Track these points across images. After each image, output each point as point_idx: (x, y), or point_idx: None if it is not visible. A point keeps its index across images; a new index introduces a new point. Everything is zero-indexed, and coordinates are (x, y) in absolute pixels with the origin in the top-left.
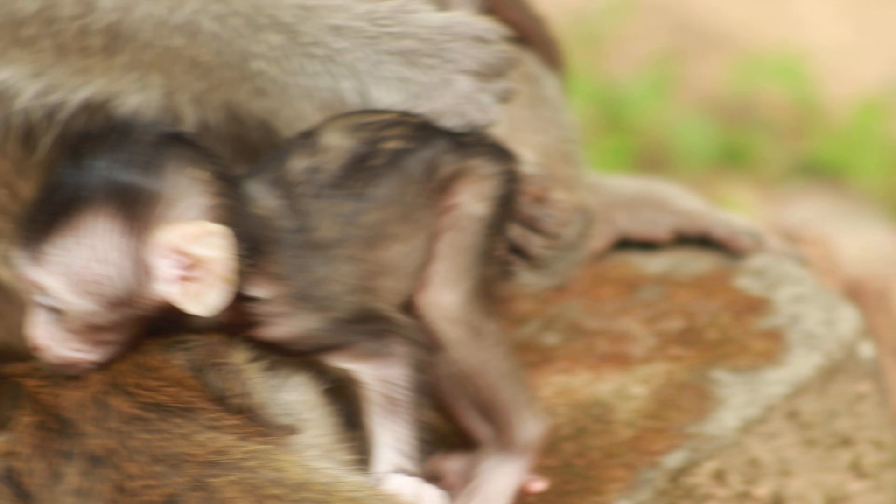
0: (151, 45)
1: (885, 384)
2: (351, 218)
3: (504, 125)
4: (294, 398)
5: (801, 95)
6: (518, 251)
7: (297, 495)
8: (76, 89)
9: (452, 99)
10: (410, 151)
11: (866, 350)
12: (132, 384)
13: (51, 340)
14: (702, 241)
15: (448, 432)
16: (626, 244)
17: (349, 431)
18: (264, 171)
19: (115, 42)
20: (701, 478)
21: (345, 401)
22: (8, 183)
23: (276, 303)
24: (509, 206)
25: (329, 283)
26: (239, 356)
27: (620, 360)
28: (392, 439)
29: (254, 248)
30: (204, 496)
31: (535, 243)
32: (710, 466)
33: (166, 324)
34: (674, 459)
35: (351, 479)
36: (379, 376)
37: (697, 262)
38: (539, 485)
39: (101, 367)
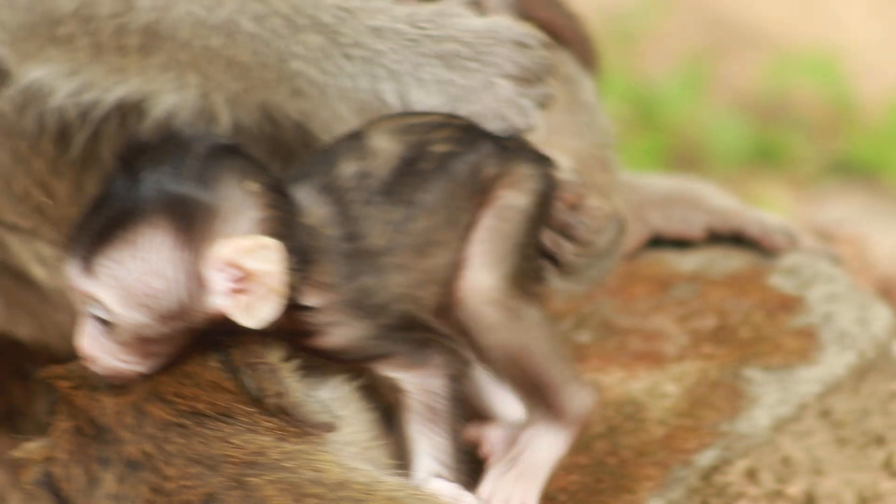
0: (189, 44)
1: None
2: (400, 225)
3: (541, 129)
4: (330, 395)
5: (835, 94)
6: (550, 257)
7: (335, 494)
8: (111, 88)
9: (493, 102)
10: (458, 155)
11: None
12: (170, 392)
13: (100, 351)
14: (735, 239)
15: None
16: (659, 242)
17: (385, 428)
18: (312, 176)
19: (152, 41)
20: (733, 476)
21: (379, 398)
22: (42, 181)
23: (327, 312)
24: (546, 206)
25: (378, 291)
26: (274, 355)
27: (653, 359)
28: (431, 447)
29: (304, 258)
30: (242, 495)
31: (567, 250)
32: (742, 465)
33: (215, 335)
34: (706, 458)
35: (390, 478)
36: (421, 385)
37: (730, 261)
38: None
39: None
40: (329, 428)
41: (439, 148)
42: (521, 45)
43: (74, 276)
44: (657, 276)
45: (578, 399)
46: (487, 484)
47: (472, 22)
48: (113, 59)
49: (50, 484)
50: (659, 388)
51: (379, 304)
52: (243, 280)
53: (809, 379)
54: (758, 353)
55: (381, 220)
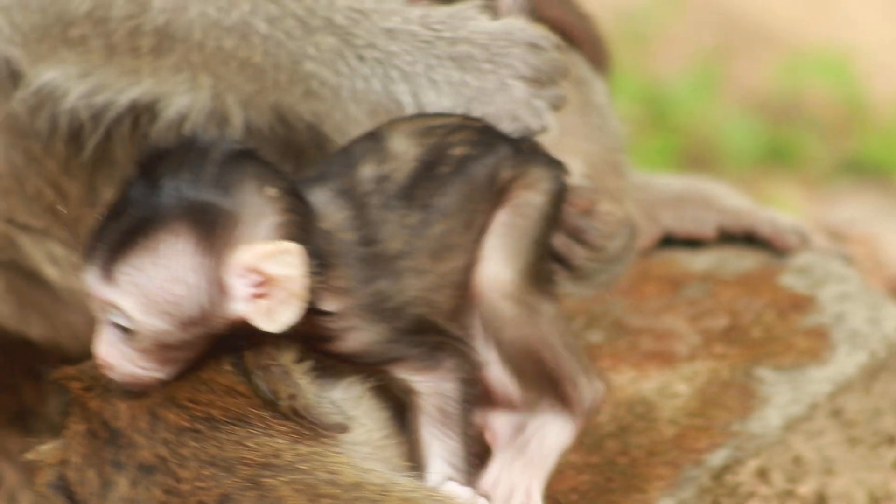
0: (202, 46)
1: None
2: (418, 229)
3: (554, 132)
4: (342, 396)
5: (847, 94)
6: (562, 261)
7: (351, 495)
8: (124, 90)
9: (507, 104)
10: (476, 158)
11: None
12: (184, 398)
13: (119, 359)
14: (747, 239)
15: None
16: (670, 242)
17: (398, 427)
18: (330, 179)
19: (165, 43)
20: (744, 476)
21: (391, 397)
22: (55, 182)
23: (343, 317)
24: (559, 207)
25: (394, 295)
26: (286, 357)
27: (664, 358)
28: (443, 451)
29: (321, 262)
30: (258, 495)
31: (579, 255)
32: (753, 465)
33: (235, 340)
34: (717, 457)
35: (405, 480)
36: (433, 388)
37: (742, 260)
38: None
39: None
40: (342, 429)
41: (458, 151)
42: (535, 47)
43: (94, 284)
44: (669, 276)
45: (589, 391)
46: (493, 471)
47: (486, 24)
48: (126, 61)
49: (64, 487)
50: (670, 388)
51: (394, 308)
52: (264, 285)
53: (821, 378)
54: (769, 352)
55: (398, 225)
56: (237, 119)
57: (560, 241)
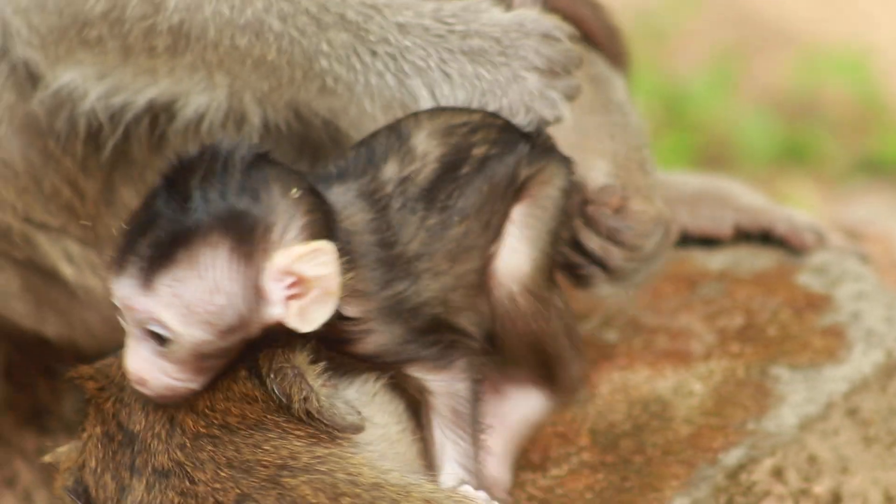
0: (217, 44)
1: None
2: (437, 232)
3: (576, 133)
4: (356, 394)
5: (864, 92)
6: (599, 263)
7: (371, 495)
8: (141, 90)
9: (521, 95)
10: (497, 156)
11: None
12: (203, 405)
13: (154, 373)
14: (763, 237)
15: None
16: (686, 240)
17: (413, 421)
18: (351, 177)
19: (180, 42)
20: (759, 475)
21: (405, 393)
22: (73, 182)
23: (362, 318)
24: (570, 203)
25: (411, 296)
26: (300, 358)
27: (680, 357)
28: (456, 454)
29: (345, 263)
30: (278, 494)
31: (616, 256)
32: (768, 463)
33: (265, 343)
34: (732, 456)
35: (425, 482)
36: (447, 388)
37: (758, 259)
38: None
39: None
40: (357, 429)
41: (479, 150)
42: (548, 37)
43: (132, 296)
44: (684, 275)
45: (577, 373)
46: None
47: (498, 16)
48: (142, 61)
49: (81, 490)
50: (686, 387)
51: (410, 309)
52: (297, 285)
53: (837, 377)
54: (785, 351)
55: (418, 227)
56: (254, 117)
57: (596, 244)
